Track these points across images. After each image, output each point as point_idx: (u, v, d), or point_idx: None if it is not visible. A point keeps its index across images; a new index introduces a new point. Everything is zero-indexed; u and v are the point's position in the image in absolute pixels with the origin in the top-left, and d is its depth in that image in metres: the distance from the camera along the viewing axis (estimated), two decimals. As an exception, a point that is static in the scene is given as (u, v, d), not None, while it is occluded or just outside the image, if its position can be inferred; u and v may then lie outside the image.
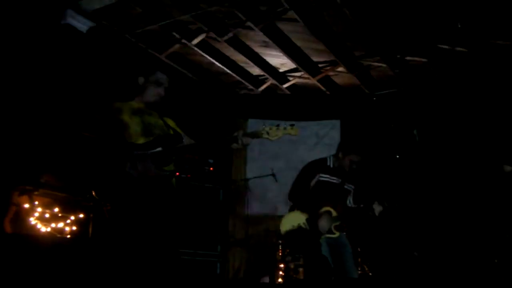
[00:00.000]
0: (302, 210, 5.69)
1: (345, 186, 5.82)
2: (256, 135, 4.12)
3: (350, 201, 5.87)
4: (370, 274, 7.70)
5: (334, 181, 5.74)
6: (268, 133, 4.04)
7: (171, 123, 4.51)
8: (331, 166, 5.79)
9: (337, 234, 5.56)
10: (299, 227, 5.55)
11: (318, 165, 5.82)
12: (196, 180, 7.38)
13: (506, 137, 7.69)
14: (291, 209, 5.83)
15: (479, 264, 6.95)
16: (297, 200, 5.79)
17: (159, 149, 4.12)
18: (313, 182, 5.75)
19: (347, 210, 5.77)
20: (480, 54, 7.67)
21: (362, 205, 5.78)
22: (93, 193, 4.12)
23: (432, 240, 7.64)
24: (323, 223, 5.52)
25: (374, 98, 5.88)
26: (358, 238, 8.01)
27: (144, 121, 4.28)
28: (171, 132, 4.36)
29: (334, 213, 5.60)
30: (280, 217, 8.73)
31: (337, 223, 5.61)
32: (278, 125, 4.02)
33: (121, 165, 4.02)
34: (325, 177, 5.71)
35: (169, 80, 4.50)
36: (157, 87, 4.42)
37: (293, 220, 5.65)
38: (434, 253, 7.44)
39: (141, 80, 4.44)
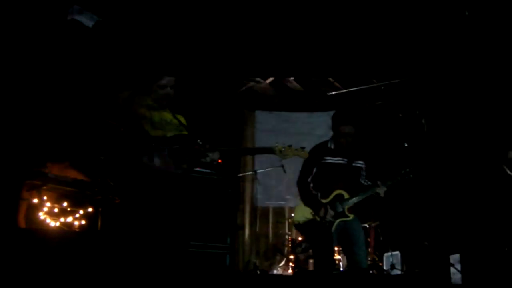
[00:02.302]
0: (304, 203, 5.60)
1: (354, 164, 5.67)
2: (270, 151, 4.51)
3: (363, 178, 5.74)
4: (380, 264, 7.69)
5: (339, 161, 5.59)
6: (281, 151, 4.46)
7: (182, 120, 4.56)
8: (332, 147, 5.69)
9: (351, 217, 5.45)
10: (311, 218, 5.47)
11: (319, 149, 5.70)
12: (204, 173, 7.38)
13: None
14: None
15: (489, 252, 6.92)
16: (301, 188, 5.71)
17: (177, 146, 4.24)
18: (315, 168, 5.65)
19: (362, 188, 5.61)
20: (488, 43, 7.62)
21: (369, 183, 5.66)
22: (108, 181, 4.23)
23: (441, 230, 7.60)
24: (330, 212, 5.43)
25: (382, 88, 5.84)
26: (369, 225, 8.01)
27: (159, 117, 4.40)
28: (185, 131, 4.42)
29: (346, 195, 5.48)
30: (291, 208, 8.77)
31: (351, 205, 5.50)
32: (290, 145, 4.49)
33: (139, 156, 4.14)
34: (327, 159, 5.62)
35: (175, 79, 4.54)
36: (165, 89, 4.46)
37: (305, 210, 5.56)
38: (444, 242, 7.41)
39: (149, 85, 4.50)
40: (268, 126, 10.05)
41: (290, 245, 8.11)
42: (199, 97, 9.00)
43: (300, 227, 5.65)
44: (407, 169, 5.55)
